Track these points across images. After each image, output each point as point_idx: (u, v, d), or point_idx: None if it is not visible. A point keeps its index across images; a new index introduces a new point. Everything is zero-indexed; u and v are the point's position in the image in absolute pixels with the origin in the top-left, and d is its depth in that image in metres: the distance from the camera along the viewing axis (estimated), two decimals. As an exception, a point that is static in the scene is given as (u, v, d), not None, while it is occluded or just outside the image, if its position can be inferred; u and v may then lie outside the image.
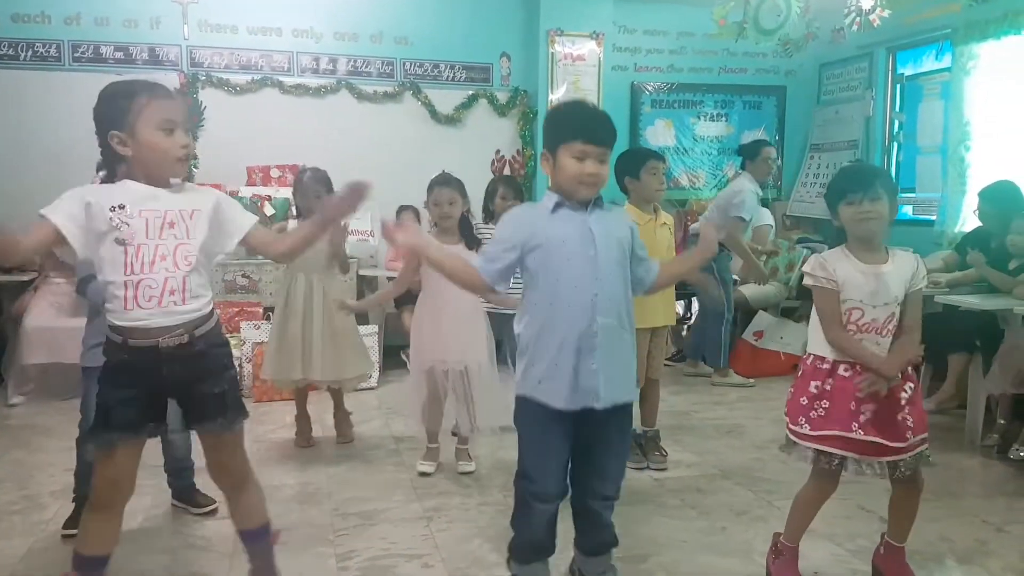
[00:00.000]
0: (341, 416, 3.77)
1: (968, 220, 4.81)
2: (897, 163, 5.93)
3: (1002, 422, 3.65)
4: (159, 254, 1.75)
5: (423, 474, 3.26)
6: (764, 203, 5.48)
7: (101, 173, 1.85)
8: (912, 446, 2.15)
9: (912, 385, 2.18)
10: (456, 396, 3.20)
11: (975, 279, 3.94)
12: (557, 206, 2.04)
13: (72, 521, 2.71)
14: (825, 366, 2.18)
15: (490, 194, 3.93)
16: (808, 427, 2.17)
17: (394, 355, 5.06)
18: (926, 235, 5.24)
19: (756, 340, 5.16)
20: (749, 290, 5.26)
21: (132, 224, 1.74)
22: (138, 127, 1.75)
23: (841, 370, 2.16)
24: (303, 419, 3.71)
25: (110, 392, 1.80)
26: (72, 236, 1.74)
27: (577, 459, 2.12)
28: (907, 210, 5.82)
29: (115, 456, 1.82)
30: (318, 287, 3.50)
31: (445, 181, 3.23)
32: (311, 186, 3.46)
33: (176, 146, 1.77)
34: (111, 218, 1.73)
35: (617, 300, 2.04)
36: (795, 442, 2.21)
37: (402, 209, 5.17)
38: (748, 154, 4.69)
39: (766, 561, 2.39)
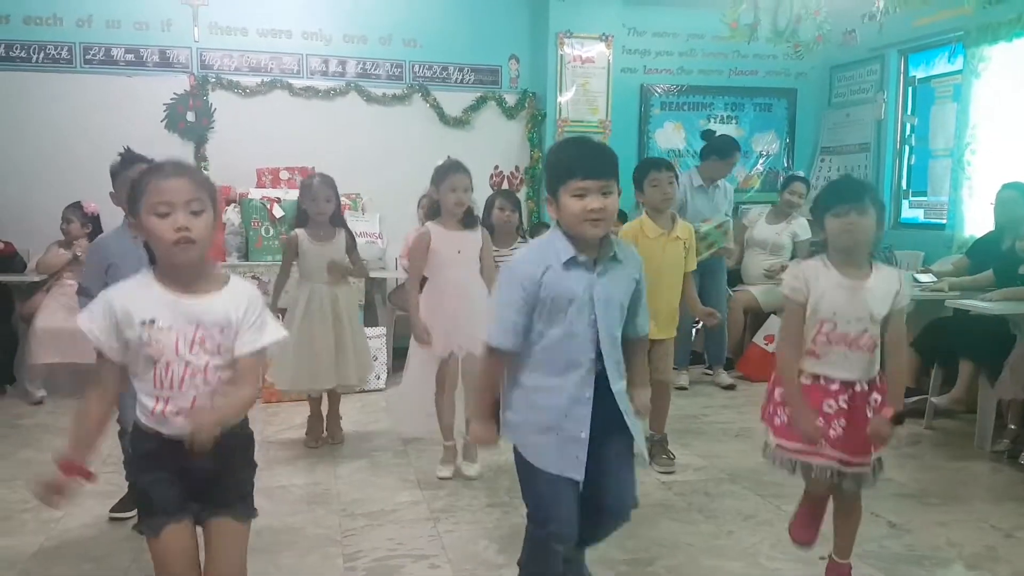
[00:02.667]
0: (335, 418, 3.79)
1: (978, 224, 4.77)
2: (909, 167, 5.89)
3: (1013, 427, 3.63)
4: (188, 372, 1.65)
5: (444, 478, 3.26)
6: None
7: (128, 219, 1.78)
8: (868, 460, 2.16)
9: (878, 397, 2.15)
10: (466, 385, 3.20)
11: (985, 284, 3.92)
12: (569, 263, 1.90)
13: (121, 504, 2.78)
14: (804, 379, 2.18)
15: (488, 207, 3.93)
16: (772, 433, 2.20)
17: (404, 357, 5.08)
18: (937, 239, 5.21)
19: (767, 344, 5.13)
20: (760, 293, 5.24)
21: (162, 340, 1.63)
22: (142, 213, 1.63)
23: (802, 379, 2.17)
24: (316, 419, 3.76)
25: (146, 475, 1.72)
26: (115, 354, 1.66)
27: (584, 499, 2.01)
28: (918, 214, 5.80)
29: (168, 542, 1.68)
30: (330, 294, 3.53)
31: (460, 167, 3.16)
32: (321, 190, 3.47)
33: (169, 230, 1.61)
34: (140, 335, 1.63)
35: (619, 361, 1.98)
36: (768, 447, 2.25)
37: (422, 197, 5.16)
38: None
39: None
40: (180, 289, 1.66)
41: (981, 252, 4.21)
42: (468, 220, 3.20)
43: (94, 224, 4.48)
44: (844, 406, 2.13)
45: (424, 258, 3.16)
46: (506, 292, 1.94)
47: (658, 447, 3.39)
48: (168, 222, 1.60)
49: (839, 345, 2.12)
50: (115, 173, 2.71)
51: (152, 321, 1.62)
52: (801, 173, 5.98)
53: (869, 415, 2.12)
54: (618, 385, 1.94)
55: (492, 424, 2.00)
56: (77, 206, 4.53)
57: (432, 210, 3.34)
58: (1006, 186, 4.10)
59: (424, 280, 3.25)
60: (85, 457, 1.68)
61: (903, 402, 2.20)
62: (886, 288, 2.12)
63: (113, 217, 2.95)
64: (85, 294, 2.63)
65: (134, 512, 2.71)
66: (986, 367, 3.67)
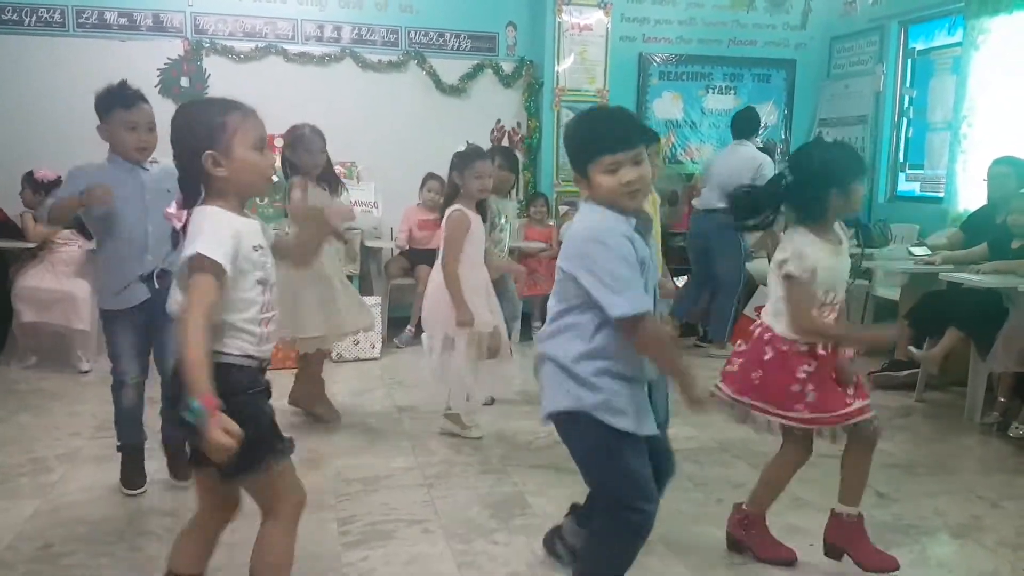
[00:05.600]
0: (319, 390, 3.63)
1: (973, 198, 4.77)
2: (906, 139, 5.87)
3: (1002, 400, 3.66)
4: (276, 290, 1.80)
5: (479, 438, 3.35)
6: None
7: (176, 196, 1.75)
8: (864, 408, 2.19)
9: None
10: (505, 352, 3.31)
11: (979, 258, 3.93)
12: (636, 231, 1.81)
13: (125, 477, 2.76)
14: (804, 348, 2.18)
15: None
16: (806, 411, 2.17)
17: (399, 326, 5.11)
18: (933, 212, 5.21)
19: (757, 315, 5.15)
20: (752, 264, 5.25)
21: (268, 263, 1.75)
22: (234, 146, 1.67)
23: (782, 345, 2.18)
24: (318, 388, 3.63)
25: (265, 414, 1.74)
26: (229, 280, 1.65)
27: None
28: (915, 187, 5.79)
29: (289, 468, 1.76)
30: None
31: (484, 153, 3.25)
32: (315, 140, 3.39)
33: (269, 165, 1.78)
34: (255, 259, 1.70)
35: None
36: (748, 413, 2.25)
37: (429, 178, 5.14)
38: (751, 127, 5.03)
39: (734, 535, 2.39)
40: (242, 209, 1.75)
41: (975, 226, 4.22)
42: (480, 207, 3.27)
43: (47, 191, 4.43)
44: (812, 369, 2.16)
45: (464, 241, 3.18)
46: (618, 255, 1.76)
47: None
48: (267, 156, 1.75)
49: (825, 309, 2.16)
50: (107, 105, 2.59)
51: (260, 246, 1.72)
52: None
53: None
54: None
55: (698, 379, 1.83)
56: (29, 175, 4.54)
57: (451, 194, 3.29)
58: (997, 161, 4.10)
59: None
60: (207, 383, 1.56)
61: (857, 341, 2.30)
62: (847, 245, 2.20)
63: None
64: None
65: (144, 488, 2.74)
66: (978, 340, 3.69)
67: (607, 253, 1.76)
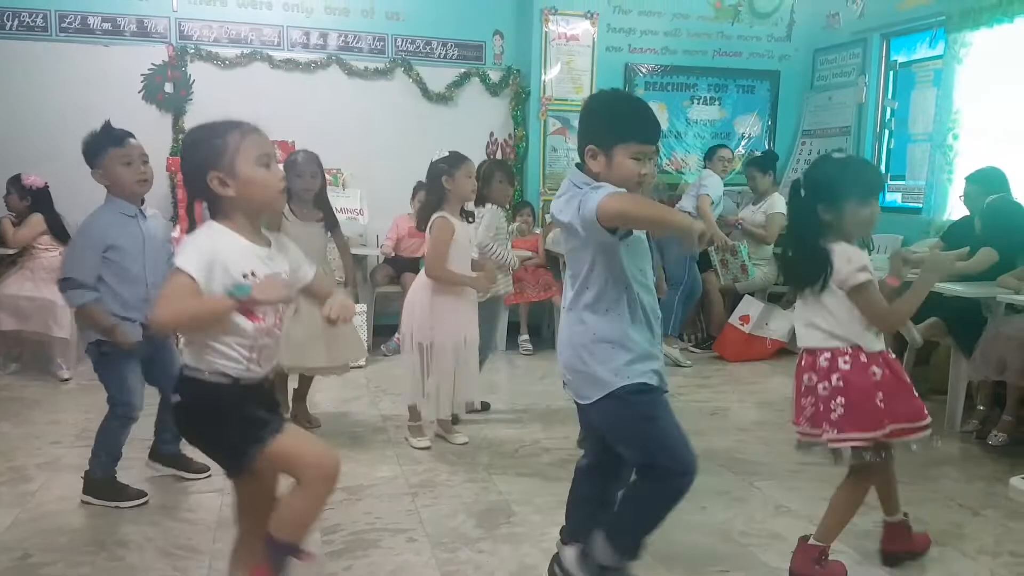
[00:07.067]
0: (302, 408, 3.63)
1: (955, 208, 4.83)
2: (888, 150, 5.94)
3: (982, 408, 3.70)
4: (276, 318, 1.78)
5: (425, 448, 3.33)
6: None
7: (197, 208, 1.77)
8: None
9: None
10: (466, 370, 3.31)
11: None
12: None
13: (115, 492, 2.72)
14: (863, 358, 2.14)
15: (486, 178, 3.85)
16: (836, 431, 2.11)
17: (384, 334, 5.10)
18: (914, 223, 5.26)
19: (742, 324, 5.19)
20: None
21: None
22: (238, 165, 1.68)
23: (862, 357, 2.14)
24: (299, 403, 3.61)
25: (232, 414, 1.74)
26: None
27: None
28: (896, 197, 5.85)
29: (288, 433, 1.78)
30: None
31: (468, 159, 3.29)
32: (307, 166, 3.39)
33: (276, 178, 1.74)
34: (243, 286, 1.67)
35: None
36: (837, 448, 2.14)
37: (420, 187, 5.13)
38: (707, 155, 5.52)
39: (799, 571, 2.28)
40: (255, 239, 1.74)
41: (957, 236, 4.26)
42: (466, 214, 3.32)
43: (34, 197, 4.40)
44: (887, 371, 2.15)
45: (449, 248, 3.20)
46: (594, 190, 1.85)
47: None
48: (272, 172, 1.72)
49: None
50: (97, 149, 2.59)
51: (253, 273, 1.68)
52: (758, 153, 5.98)
53: (906, 379, 2.18)
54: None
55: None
56: (16, 179, 4.46)
57: (434, 201, 3.28)
58: (968, 179, 4.10)
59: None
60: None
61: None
62: None
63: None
64: (75, 286, 2.55)
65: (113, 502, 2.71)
66: (960, 348, 3.73)
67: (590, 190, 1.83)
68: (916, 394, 2.18)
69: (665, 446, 1.93)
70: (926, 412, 2.17)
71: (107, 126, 2.62)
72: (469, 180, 3.23)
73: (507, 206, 4.07)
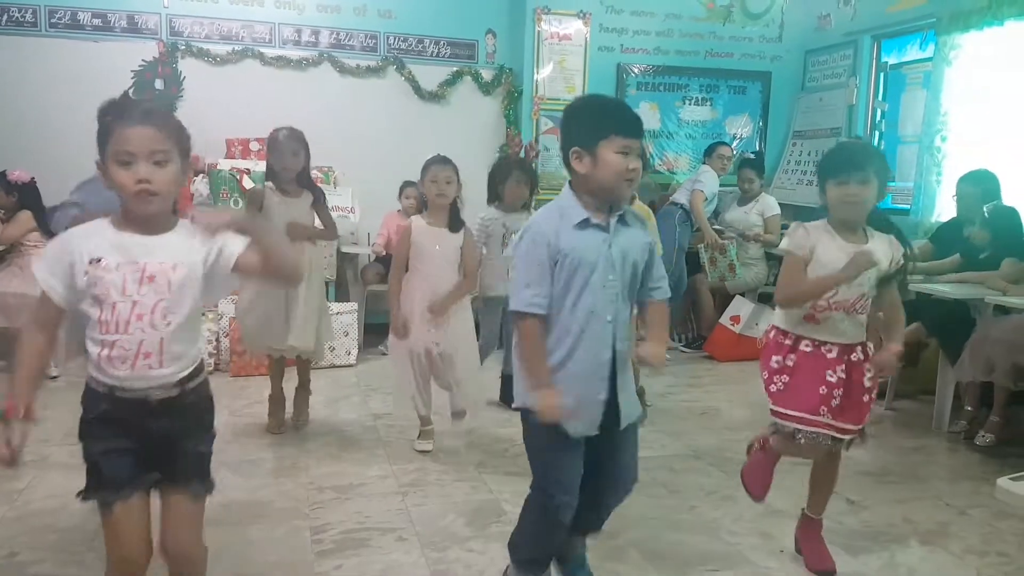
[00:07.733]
0: (303, 394, 3.63)
1: (944, 210, 4.86)
2: (878, 151, 5.97)
3: (969, 409, 3.73)
4: (135, 312, 1.57)
5: (425, 452, 3.29)
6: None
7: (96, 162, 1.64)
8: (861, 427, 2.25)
9: (870, 368, 2.21)
10: (445, 379, 3.27)
11: (952, 269, 4.00)
12: (583, 223, 1.89)
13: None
14: (787, 341, 2.23)
15: (502, 177, 3.76)
16: (770, 401, 2.22)
17: (375, 332, 5.09)
18: (902, 224, 5.23)
19: (733, 324, 5.21)
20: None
21: (107, 279, 1.56)
22: (107, 157, 1.57)
23: (803, 346, 2.21)
24: (277, 403, 3.56)
25: (97, 444, 1.63)
26: (59, 297, 1.59)
27: (589, 471, 2.01)
28: (886, 199, 5.88)
29: (119, 519, 1.62)
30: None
31: (443, 160, 3.22)
32: (288, 143, 3.33)
33: (131, 180, 1.54)
34: (87, 272, 1.56)
35: (627, 321, 1.99)
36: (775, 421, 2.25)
37: (406, 185, 5.12)
38: (707, 152, 5.56)
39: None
40: (135, 230, 1.60)
41: (945, 238, 4.29)
42: (454, 223, 3.21)
43: (21, 192, 4.36)
44: (843, 376, 2.18)
45: (405, 249, 3.18)
46: (527, 255, 1.89)
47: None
48: (130, 172, 1.54)
49: (838, 311, 2.17)
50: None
51: (98, 260, 1.56)
52: (751, 154, 6.02)
53: (866, 384, 2.20)
54: (622, 344, 1.94)
55: (554, 390, 1.87)
56: (2, 175, 4.41)
57: (421, 203, 3.33)
58: (963, 179, 4.12)
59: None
60: (25, 394, 1.60)
61: (903, 340, 2.29)
62: (881, 253, 2.17)
63: (57, 186, 2.80)
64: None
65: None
66: (947, 350, 3.76)
67: (529, 245, 1.90)
68: (826, 393, 2.16)
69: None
70: (821, 411, 2.17)
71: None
72: (433, 185, 3.17)
73: (522, 207, 3.89)
